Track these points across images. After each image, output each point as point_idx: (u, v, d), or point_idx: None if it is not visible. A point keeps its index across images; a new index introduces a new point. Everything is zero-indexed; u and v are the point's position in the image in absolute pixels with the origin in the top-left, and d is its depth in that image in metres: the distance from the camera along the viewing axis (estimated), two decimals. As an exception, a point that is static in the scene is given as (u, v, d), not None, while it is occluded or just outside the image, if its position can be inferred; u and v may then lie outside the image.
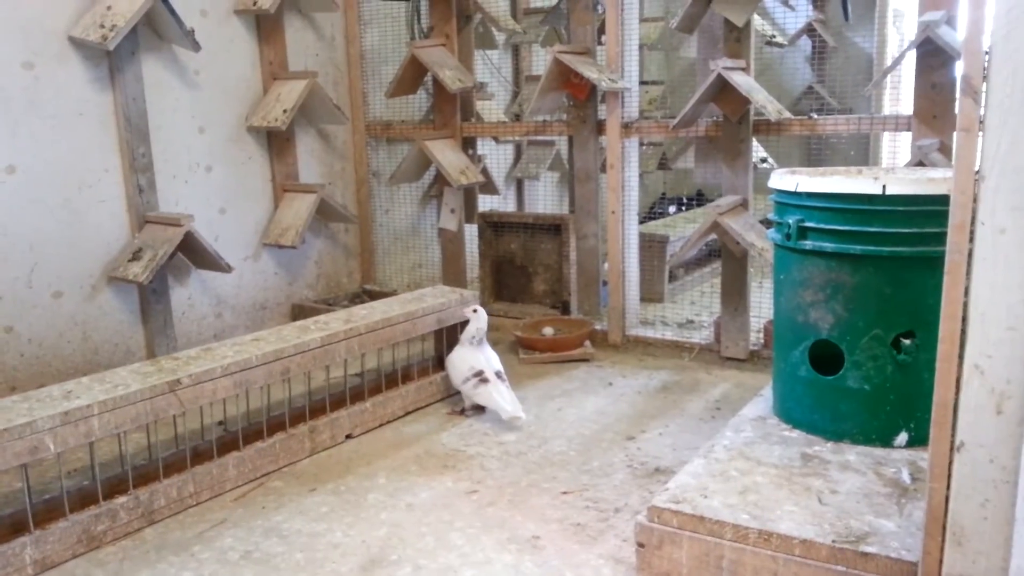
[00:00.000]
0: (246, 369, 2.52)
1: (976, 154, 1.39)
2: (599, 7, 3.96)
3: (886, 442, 2.18)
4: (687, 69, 6.00)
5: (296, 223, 3.92)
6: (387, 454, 2.76)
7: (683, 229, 5.00)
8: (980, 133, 1.38)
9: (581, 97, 3.83)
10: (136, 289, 3.46)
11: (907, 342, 2.13)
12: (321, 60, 4.27)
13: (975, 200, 1.39)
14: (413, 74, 4.08)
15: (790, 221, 2.23)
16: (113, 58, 3.27)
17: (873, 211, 2.09)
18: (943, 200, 1.51)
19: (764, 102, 3.20)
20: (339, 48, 4.37)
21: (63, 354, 3.25)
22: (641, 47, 4.28)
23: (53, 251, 3.19)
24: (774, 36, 5.63)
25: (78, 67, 3.21)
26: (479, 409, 3.07)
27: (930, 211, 2.04)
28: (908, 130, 3.13)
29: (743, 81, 3.21)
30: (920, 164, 2.97)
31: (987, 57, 1.35)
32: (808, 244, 2.21)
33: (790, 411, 2.35)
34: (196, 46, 3.46)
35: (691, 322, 4.14)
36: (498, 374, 2.99)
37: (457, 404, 3.13)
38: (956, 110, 1.42)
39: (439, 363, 3.32)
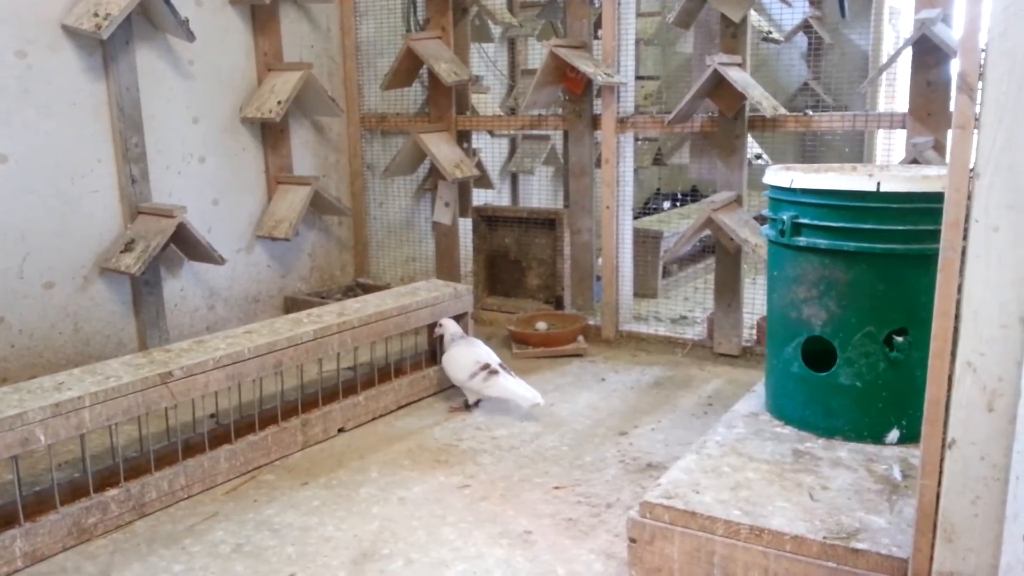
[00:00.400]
0: (238, 362, 2.51)
1: (971, 152, 1.39)
2: (596, 1, 3.95)
3: (878, 439, 2.19)
4: (683, 64, 6.00)
5: (290, 215, 3.91)
6: (379, 448, 2.76)
7: (677, 225, 5.00)
8: (975, 131, 1.38)
9: (577, 91, 3.82)
10: (128, 280, 3.44)
11: (900, 339, 2.13)
12: (316, 51, 4.25)
13: (969, 198, 1.39)
14: (409, 66, 4.07)
15: (784, 217, 2.23)
16: (107, 47, 3.25)
17: (867, 208, 2.09)
18: (937, 197, 1.51)
19: (760, 98, 3.20)
20: (334, 39, 4.36)
21: (54, 345, 3.24)
22: (637, 42, 4.28)
23: (45, 241, 3.17)
24: (770, 32, 5.63)
25: (71, 56, 3.19)
26: (477, 403, 3.07)
27: (924, 208, 2.04)
28: (903, 127, 3.13)
29: (739, 77, 3.20)
30: (915, 161, 2.98)
31: (983, 55, 1.35)
32: (802, 240, 2.21)
33: (782, 407, 2.36)
34: (191, 36, 3.44)
35: (684, 318, 4.14)
36: (501, 365, 2.98)
37: (456, 400, 3.13)
38: (951, 107, 1.42)
39: (432, 357, 3.32)
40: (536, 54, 5.44)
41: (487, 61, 5.13)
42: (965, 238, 1.40)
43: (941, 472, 1.48)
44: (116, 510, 2.25)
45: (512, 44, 5.44)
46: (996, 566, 1.44)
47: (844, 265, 2.15)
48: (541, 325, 3.88)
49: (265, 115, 3.79)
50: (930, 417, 1.49)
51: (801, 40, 5.94)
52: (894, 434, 2.18)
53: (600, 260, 3.95)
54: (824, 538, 1.72)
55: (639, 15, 4.61)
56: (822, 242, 2.17)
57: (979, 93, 1.36)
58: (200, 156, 3.74)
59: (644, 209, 5.73)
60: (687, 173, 5.02)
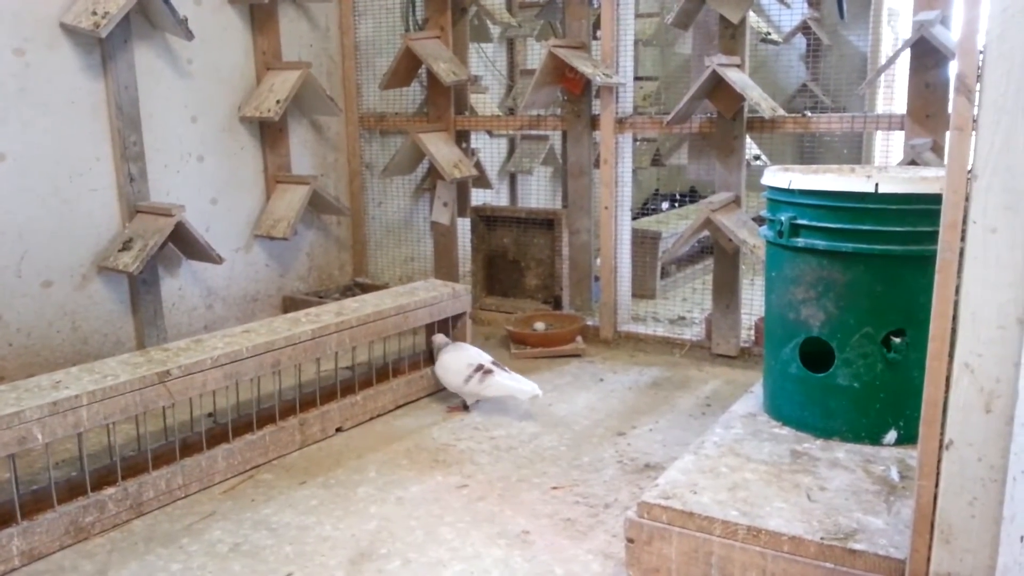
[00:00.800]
0: (236, 361, 2.51)
1: (969, 153, 1.39)
2: (595, 2, 3.96)
3: (875, 440, 2.19)
4: (682, 65, 6.00)
5: (288, 215, 3.90)
6: (377, 448, 2.76)
7: (676, 225, 5.00)
8: (973, 132, 1.38)
9: (576, 92, 3.82)
10: (126, 279, 3.44)
11: (897, 340, 2.14)
12: (315, 51, 4.24)
13: (967, 199, 1.39)
14: (407, 66, 4.07)
15: (782, 218, 2.23)
16: (105, 46, 3.25)
17: (865, 209, 2.10)
18: (935, 199, 1.51)
19: (758, 99, 3.20)
20: (333, 39, 4.35)
21: (52, 344, 3.24)
22: (636, 42, 4.28)
23: (43, 240, 3.17)
24: (769, 33, 5.63)
25: (70, 54, 3.19)
26: (476, 403, 3.08)
27: (922, 210, 2.04)
28: (901, 129, 3.14)
29: (737, 78, 3.21)
30: (913, 163, 2.98)
31: (981, 56, 1.35)
32: (800, 242, 2.21)
33: (780, 408, 2.36)
34: (189, 35, 3.44)
35: (682, 318, 4.14)
36: (494, 363, 2.98)
37: (454, 400, 3.13)
38: (949, 109, 1.42)
39: (430, 357, 3.32)
40: (535, 54, 5.44)
41: (486, 61, 5.13)
42: (963, 239, 1.40)
43: (938, 473, 1.48)
44: (113, 509, 2.24)
45: (511, 44, 5.44)
46: (993, 567, 1.44)
47: (842, 266, 2.16)
48: (539, 325, 3.88)
49: (264, 114, 3.79)
50: (927, 418, 1.49)
51: (800, 41, 5.95)
52: (892, 435, 2.18)
53: (598, 260, 3.95)
54: (822, 539, 1.72)
55: (638, 16, 4.62)
56: (820, 243, 2.17)
57: (977, 95, 1.36)
58: (198, 155, 3.73)
59: (643, 210, 5.73)
60: (685, 174, 5.02)
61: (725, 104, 3.36)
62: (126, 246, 3.30)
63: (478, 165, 4.49)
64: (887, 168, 2.54)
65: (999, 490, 1.42)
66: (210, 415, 2.77)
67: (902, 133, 3.14)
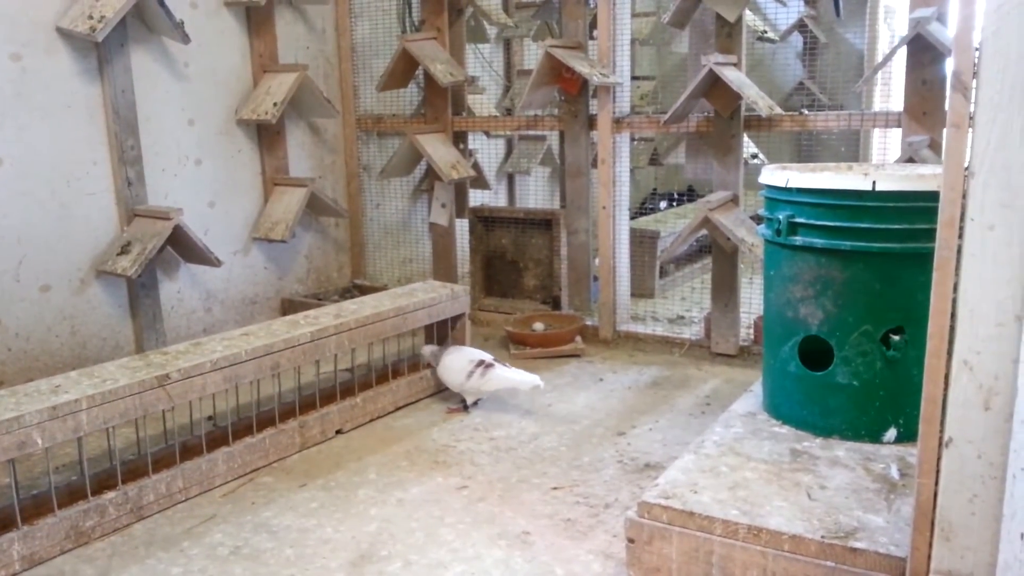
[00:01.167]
0: (235, 364, 2.51)
1: (966, 150, 1.39)
2: (591, 2, 3.96)
3: (875, 438, 2.19)
4: (679, 64, 6.00)
5: (286, 217, 3.90)
6: (377, 450, 2.76)
7: (674, 225, 5.00)
8: (970, 129, 1.38)
9: (572, 92, 3.82)
10: (125, 283, 3.44)
11: (896, 338, 2.14)
12: (312, 53, 4.24)
13: (964, 196, 1.39)
14: (404, 68, 4.06)
15: (780, 217, 2.23)
16: (102, 50, 3.25)
17: (863, 207, 2.10)
18: (933, 196, 1.51)
19: (755, 98, 3.20)
20: (330, 41, 4.35)
21: (51, 348, 3.23)
22: (633, 42, 4.28)
23: (41, 244, 3.17)
24: (765, 32, 5.63)
25: (66, 58, 3.18)
26: (476, 403, 3.08)
27: (920, 207, 2.04)
28: (898, 126, 3.14)
29: (734, 77, 3.21)
30: (910, 160, 2.98)
31: (977, 53, 1.35)
32: (798, 240, 2.22)
33: (779, 407, 2.36)
34: (186, 38, 3.44)
35: (681, 318, 4.14)
36: (495, 359, 2.99)
37: (453, 401, 3.13)
38: (946, 106, 1.42)
39: (427, 363, 3.31)
40: (532, 55, 5.44)
41: (483, 62, 5.13)
42: (961, 237, 1.40)
43: (938, 471, 1.48)
44: (114, 513, 2.24)
45: (508, 45, 5.44)
46: (994, 564, 1.44)
47: (840, 264, 2.16)
48: (538, 326, 3.88)
49: (261, 117, 3.79)
50: (927, 416, 1.49)
51: (796, 39, 5.95)
52: (891, 433, 2.18)
53: (597, 260, 3.95)
54: (822, 537, 1.72)
55: (634, 15, 4.62)
56: (818, 241, 2.17)
57: (973, 92, 1.36)
58: (196, 158, 3.73)
59: (641, 209, 5.73)
60: (683, 173, 5.01)
61: (722, 103, 3.36)
62: (124, 250, 3.29)
63: (476, 166, 4.49)
64: (884, 166, 2.54)
65: (999, 487, 1.42)
66: (210, 418, 2.77)
67: (899, 130, 3.15)
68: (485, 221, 4.41)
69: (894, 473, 2.01)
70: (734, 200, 3.42)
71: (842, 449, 2.16)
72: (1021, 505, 1.37)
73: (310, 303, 4.02)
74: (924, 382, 1.49)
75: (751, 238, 3.22)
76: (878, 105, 5.36)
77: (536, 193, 5.42)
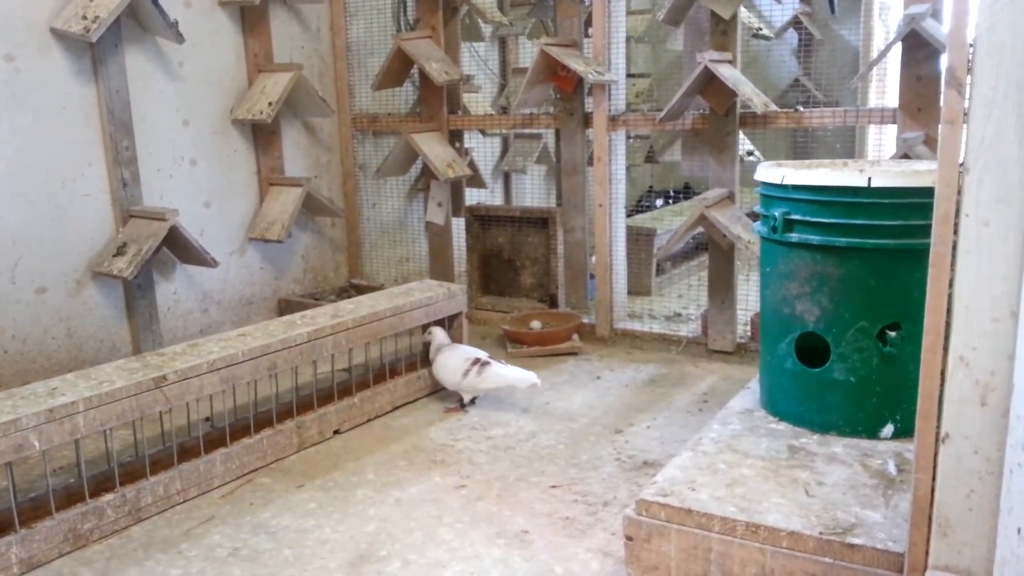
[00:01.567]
0: (232, 365, 2.50)
1: (960, 147, 1.39)
2: (586, -1, 3.96)
3: (872, 434, 2.19)
4: (674, 62, 6.00)
5: (282, 217, 3.90)
6: (375, 449, 2.76)
7: (670, 222, 5.00)
8: (965, 126, 1.38)
9: (568, 90, 3.82)
10: (121, 284, 3.43)
11: (892, 334, 2.14)
12: (306, 52, 4.24)
13: (959, 192, 1.39)
14: (399, 66, 4.06)
15: (776, 214, 2.23)
16: (96, 50, 3.24)
17: (858, 204, 2.10)
18: (928, 192, 1.51)
19: (750, 95, 3.21)
20: (325, 40, 4.35)
21: (47, 350, 3.23)
22: (628, 40, 4.28)
23: (37, 246, 3.16)
24: (760, 29, 5.64)
25: (60, 59, 3.18)
26: (473, 402, 3.08)
27: (915, 203, 2.04)
28: (893, 123, 3.14)
29: (729, 74, 3.21)
30: (905, 157, 2.99)
31: (971, 50, 1.36)
32: (794, 237, 2.22)
33: (777, 403, 2.36)
34: (180, 38, 3.43)
35: (678, 315, 4.15)
36: (491, 357, 2.99)
37: (451, 401, 3.13)
38: (941, 103, 1.42)
39: (427, 357, 3.31)
40: (527, 53, 5.44)
41: (478, 60, 5.12)
42: (956, 233, 1.41)
43: (935, 466, 1.49)
44: (112, 515, 2.24)
45: (503, 43, 5.44)
46: (991, 559, 1.45)
47: (836, 261, 2.16)
48: (535, 324, 3.88)
49: (256, 116, 3.78)
50: (923, 412, 1.50)
51: (791, 36, 5.95)
52: (888, 429, 2.19)
53: (593, 258, 3.95)
54: (820, 533, 1.73)
55: (629, 13, 4.61)
56: (814, 238, 2.18)
57: (968, 88, 1.37)
58: (191, 158, 3.73)
59: (637, 207, 5.73)
60: (679, 170, 5.02)
61: (717, 100, 3.36)
62: (120, 251, 3.29)
63: (472, 164, 4.49)
64: (880, 162, 2.55)
65: (996, 482, 1.42)
66: (207, 419, 2.77)
67: (894, 127, 3.15)
68: (481, 220, 4.41)
69: (891, 469, 2.01)
70: (730, 197, 3.43)
71: (839, 445, 2.16)
72: (1018, 500, 1.37)
73: (307, 303, 4.02)
74: (920, 378, 1.49)
75: (747, 235, 3.22)
76: (873, 102, 5.37)
77: (532, 191, 5.42)
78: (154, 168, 3.56)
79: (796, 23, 5.63)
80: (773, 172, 2.27)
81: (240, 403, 2.77)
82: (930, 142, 2.99)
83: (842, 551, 1.70)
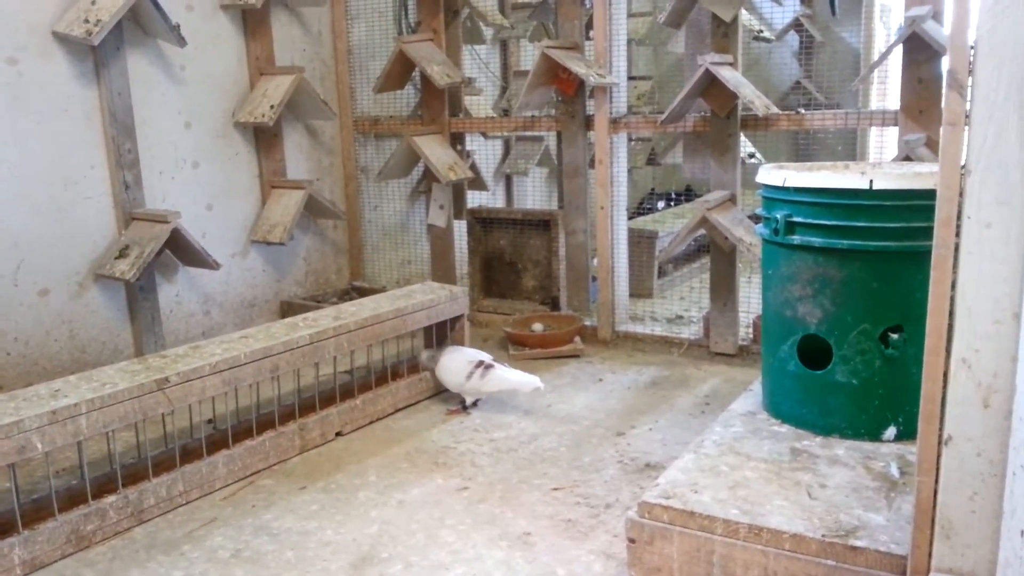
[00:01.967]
0: (235, 367, 2.51)
1: (962, 149, 1.40)
2: (587, 2, 3.96)
3: (875, 436, 2.19)
4: (675, 64, 6.01)
5: (284, 219, 3.90)
6: (377, 451, 2.76)
7: (672, 224, 5.01)
8: (966, 127, 1.38)
9: (569, 92, 3.82)
10: (123, 287, 3.43)
11: (895, 336, 2.14)
12: (308, 55, 4.24)
13: (961, 194, 1.39)
14: (401, 69, 4.07)
15: (778, 216, 2.24)
16: (98, 53, 3.25)
17: (860, 206, 2.10)
18: (930, 194, 1.51)
19: (752, 97, 3.21)
20: (326, 43, 4.35)
21: (50, 352, 3.23)
22: (629, 42, 4.28)
23: (39, 248, 3.17)
24: (761, 31, 5.64)
25: (62, 62, 3.18)
26: (475, 404, 3.08)
27: (917, 205, 2.04)
28: (895, 125, 3.14)
29: (731, 76, 3.21)
30: (907, 159, 2.99)
31: (972, 52, 1.36)
32: (796, 239, 2.22)
33: (779, 406, 2.36)
34: (182, 41, 3.44)
35: (680, 317, 4.15)
36: (495, 360, 3.00)
37: (453, 403, 3.13)
38: (942, 105, 1.42)
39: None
40: (528, 55, 5.44)
41: (479, 63, 5.13)
42: (958, 235, 1.41)
43: (938, 469, 1.49)
44: (114, 517, 2.24)
45: (504, 46, 5.44)
46: (994, 561, 1.45)
47: (838, 263, 2.16)
48: (537, 326, 3.89)
49: (258, 119, 3.79)
50: (926, 414, 1.49)
51: (792, 39, 5.96)
52: (891, 431, 2.19)
53: (595, 261, 3.95)
54: (823, 536, 1.72)
55: (630, 15, 4.61)
56: (816, 240, 2.18)
57: (969, 90, 1.37)
58: (193, 161, 3.73)
59: (639, 209, 5.74)
60: (681, 173, 5.03)
61: (719, 102, 3.37)
62: (122, 253, 3.29)
63: (473, 167, 4.49)
64: (881, 164, 2.55)
65: (998, 485, 1.42)
66: (209, 421, 2.77)
67: (896, 129, 3.15)
68: (483, 222, 4.42)
69: (894, 471, 2.01)
70: (732, 199, 3.43)
71: (842, 448, 2.16)
72: (1021, 502, 1.37)
73: (309, 305, 4.02)
74: (923, 380, 1.49)
75: (749, 237, 3.22)
76: (875, 104, 5.37)
77: (534, 194, 5.42)
78: (156, 171, 3.57)
79: (797, 25, 5.63)
80: (775, 174, 2.27)
81: (242, 405, 2.77)
82: (932, 144, 3.00)
83: (845, 553, 1.70)
